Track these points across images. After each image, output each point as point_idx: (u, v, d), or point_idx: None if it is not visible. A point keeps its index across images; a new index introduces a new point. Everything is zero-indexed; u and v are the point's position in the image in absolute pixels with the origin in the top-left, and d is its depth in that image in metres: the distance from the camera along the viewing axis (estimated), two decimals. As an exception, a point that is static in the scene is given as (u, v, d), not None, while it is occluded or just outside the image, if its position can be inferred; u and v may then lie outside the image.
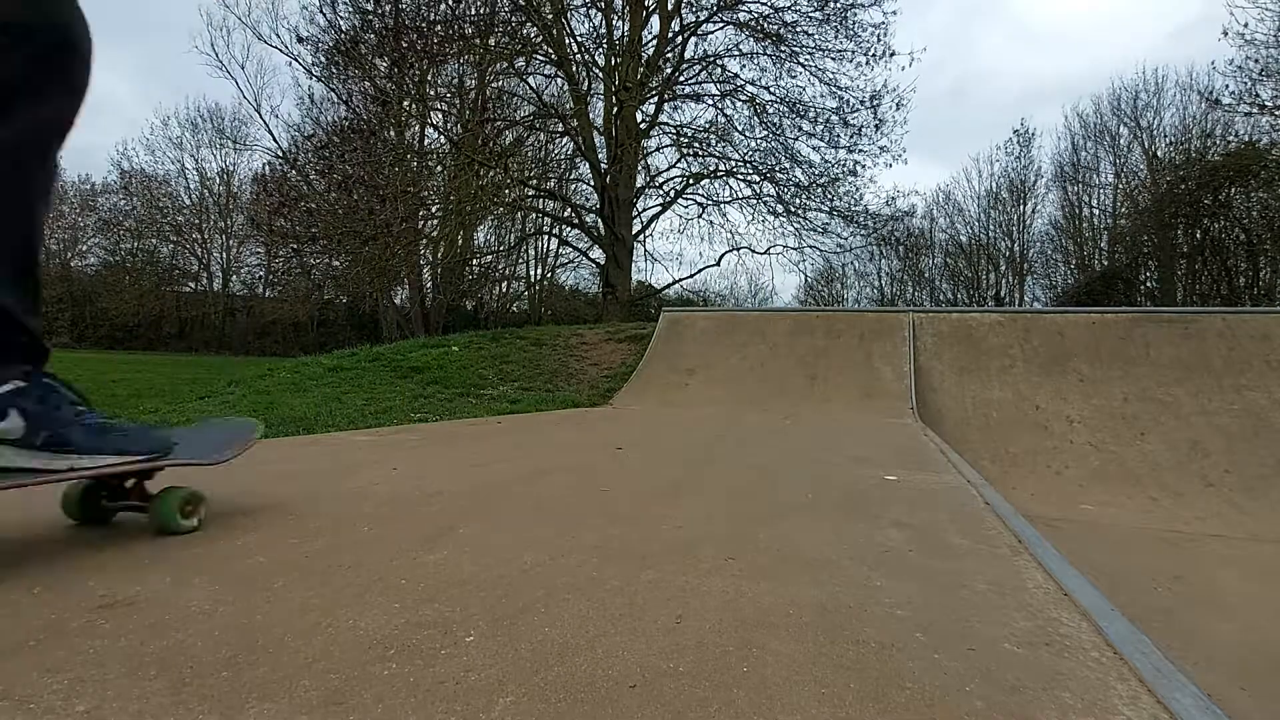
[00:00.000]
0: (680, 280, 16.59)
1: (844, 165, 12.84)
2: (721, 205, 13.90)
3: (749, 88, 12.49)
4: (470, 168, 11.08)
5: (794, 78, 12.34)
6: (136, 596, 0.80)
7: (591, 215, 13.43)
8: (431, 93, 11.70)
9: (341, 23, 11.68)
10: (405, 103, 11.97)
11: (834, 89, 12.15)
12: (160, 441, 1.11)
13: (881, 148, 12.48)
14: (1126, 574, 2.09)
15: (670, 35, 12.38)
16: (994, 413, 4.00)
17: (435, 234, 13.31)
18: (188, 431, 1.22)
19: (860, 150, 12.60)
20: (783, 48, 12.00)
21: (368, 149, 10.94)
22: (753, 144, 13.01)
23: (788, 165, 13.02)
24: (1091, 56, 35.86)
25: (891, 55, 11.76)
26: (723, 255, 15.16)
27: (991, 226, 21.48)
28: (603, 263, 13.29)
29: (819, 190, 13.06)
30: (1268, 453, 3.25)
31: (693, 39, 12.54)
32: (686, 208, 14.14)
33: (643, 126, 12.57)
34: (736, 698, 0.60)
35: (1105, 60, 36.55)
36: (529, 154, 14.24)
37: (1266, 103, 12.53)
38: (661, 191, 13.71)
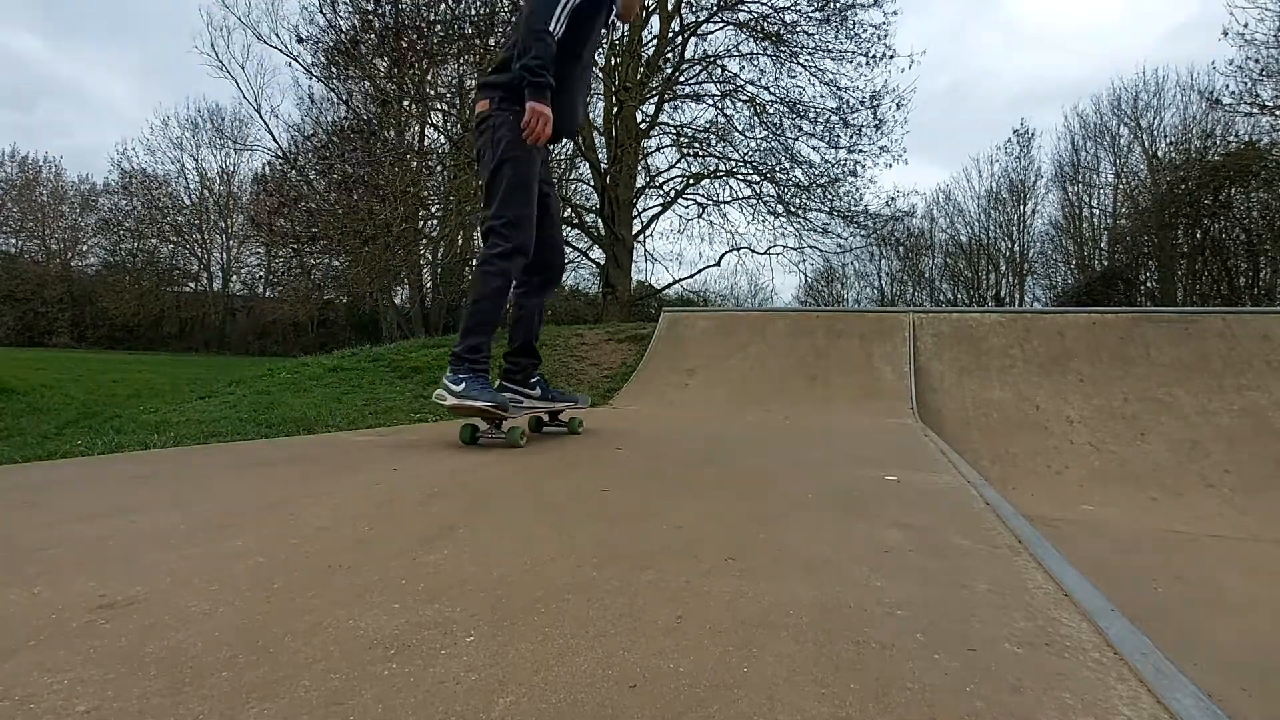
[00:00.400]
0: (680, 280, 16.57)
1: (844, 165, 12.80)
2: (721, 205, 13.88)
3: (749, 88, 12.46)
4: (470, 168, 11.05)
5: (794, 78, 12.31)
6: (136, 596, 0.80)
7: (591, 215, 13.42)
8: (431, 93, 11.68)
9: (341, 23, 11.66)
10: (405, 103, 11.95)
11: (834, 89, 12.11)
12: (572, 396, 2.63)
13: (882, 148, 12.46)
14: (1126, 574, 2.09)
15: (670, 35, 12.36)
16: (994, 413, 4.00)
17: (435, 234, 13.29)
18: (569, 393, 2.64)
19: (860, 150, 12.57)
20: (782, 48, 11.97)
21: (368, 149, 10.91)
22: (753, 144, 12.99)
23: (788, 165, 12.99)
24: (1091, 56, 35.91)
25: (892, 56, 11.72)
26: (723, 255, 15.15)
27: (991, 226, 21.49)
28: (603, 263, 13.28)
29: (819, 190, 13.03)
30: (1268, 453, 3.25)
31: (693, 39, 12.52)
32: (686, 208, 14.13)
33: (643, 126, 12.56)
34: (736, 698, 0.60)
35: (1105, 60, 36.59)
36: (529, 154, 14.17)
37: (1267, 103, 12.54)
38: (661, 191, 13.70)
